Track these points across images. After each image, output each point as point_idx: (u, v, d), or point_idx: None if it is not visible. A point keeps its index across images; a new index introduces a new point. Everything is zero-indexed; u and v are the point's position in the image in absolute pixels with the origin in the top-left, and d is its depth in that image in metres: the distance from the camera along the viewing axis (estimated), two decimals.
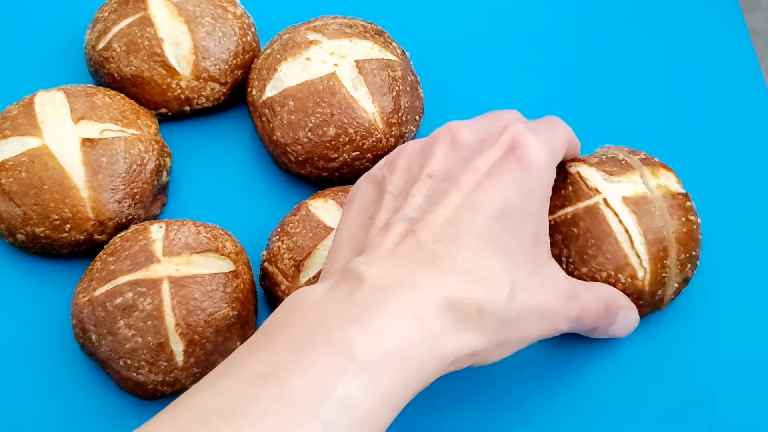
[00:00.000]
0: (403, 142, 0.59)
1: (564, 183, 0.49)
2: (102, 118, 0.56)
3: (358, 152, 0.56)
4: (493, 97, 0.65)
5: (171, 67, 0.59)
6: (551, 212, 0.48)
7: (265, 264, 0.54)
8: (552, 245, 0.48)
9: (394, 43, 0.61)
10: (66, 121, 0.55)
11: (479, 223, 0.39)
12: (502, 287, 0.38)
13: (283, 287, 0.52)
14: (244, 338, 0.51)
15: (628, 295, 0.48)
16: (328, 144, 0.56)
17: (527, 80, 0.65)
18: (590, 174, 0.49)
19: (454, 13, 0.69)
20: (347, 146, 0.56)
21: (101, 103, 0.56)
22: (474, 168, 0.41)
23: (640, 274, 0.47)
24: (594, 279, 0.47)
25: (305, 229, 0.52)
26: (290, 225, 0.53)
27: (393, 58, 0.59)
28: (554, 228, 0.49)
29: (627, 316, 0.47)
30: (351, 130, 0.56)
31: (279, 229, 0.54)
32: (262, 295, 0.55)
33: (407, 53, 0.61)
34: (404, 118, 0.58)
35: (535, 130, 0.43)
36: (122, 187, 0.54)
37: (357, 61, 0.57)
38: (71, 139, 0.54)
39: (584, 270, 0.47)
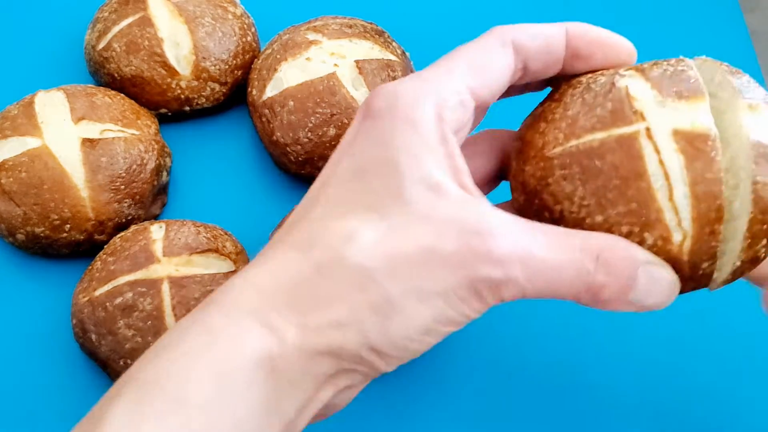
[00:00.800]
0: None
1: (603, 98, 0.36)
2: (102, 118, 0.56)
3: None
4: None
5: (171, 67, 0.59)
6: (576, 135, 0.35)
7: None
8: (566, 179, 0.35)
9: (394, 43, 0.61)
10: (66, 121, 0.55)
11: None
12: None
13: None
14: None
15: None
16: (328, 144, 0.56)
17: None
18: (641, 92, 0.36)
19: (454, 14, 0.69)
20: None
21: (101, 103, 0.56)
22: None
23: (676, 237, 0.34)
24: (611, 233, 0.35)
25: None
26: None
27: (393, 58, 0.59)
28: (573, 157, 0.35)
29: (651, 275, 0.34)
30: None
31: (279, 229, 0.54)
32: None
33: (407, 53, 0.61)
34: None
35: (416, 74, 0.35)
36: (122, 187, 0.54)
37: (357, 61, 0.57)
38: (71, 139, 0.54)
39: (599, 219, 0.34)
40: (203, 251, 0.51)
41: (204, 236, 0.52)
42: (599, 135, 0.35)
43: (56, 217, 0.53)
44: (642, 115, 0.35)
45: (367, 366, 0.32)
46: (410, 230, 0.31)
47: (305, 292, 0.32)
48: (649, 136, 0.34)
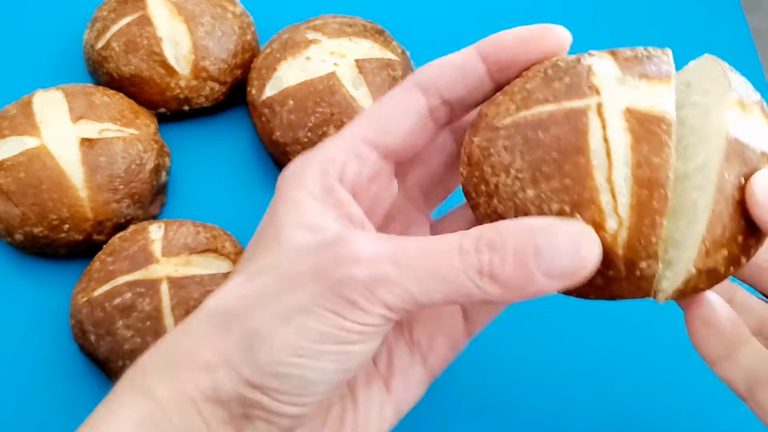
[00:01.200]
0: None
1: (564, 73, 0.34)
2: (101, 118, 0.55)
3: None
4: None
5: (170, 67, 0.58)
6: (527, 107, 0.33)
7: None
8: (506, 150, 0.33)
9: (394, 43, 0.60)
10: (64, 121, 0.55)
11: None
12: None
13: None
14: None
15: None
16: None
17: None
18: (604, 69, 0.33)
19: (454, 13, 0.69)
20: None
21: (100, 103, 0.56)
22: None
23: (611, 223, 0.31)
24: (540, 212, 0.31)
25: None
26: None
27: (393, 57, 0.59)
28: (519, 128, 0.33)
29: (554, 235, 0.30)
30: None
31: None
32: None
33: (407, 52, 0.61)
34: None
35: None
36: (121, 187, 0.54)
37: (357, 61, 0.57)
38: (70, 139, 0.54)
39: (530, 194, 0.32)
40: (202, 251, 0.51)
41: (203, 236, 0.52)
42: (549, 107, 0.33)
43: (55, 217, 0.53)
44: (597, 90, 0.32)
45: (260, 408, 0.31)
46: (277, 263, 0.32)
47: (174, 350, 0.32)
48: (600, 112, 0.32)
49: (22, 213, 0.53)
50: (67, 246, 0.54)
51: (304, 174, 0.34)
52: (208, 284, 0.50)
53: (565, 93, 0.33)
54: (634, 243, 0.30)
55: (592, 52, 0.34)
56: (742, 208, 0.31)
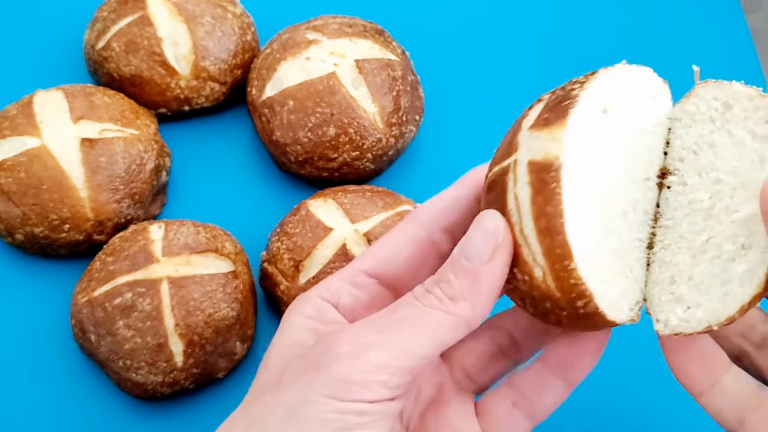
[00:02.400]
0: (403, 142, 0.59)
1: (511, 129, 0.36)
2: (101, 118, 0.55)
3: (358, 152, 0.56)
4: (493, 97, 0.65)
5: (170, 67, 0.58)
6: (491, 167, 0.36)
7: (265, 264, 0.53)
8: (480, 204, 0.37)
9: (394, 43, 0.60)
10: (65, 121, 0.55)
11: None
12: None
13: (282, 287, 0.52)
14: (243, 338, 0.51)
15: (536, 298, 0.34)
16: (328, 144, 0.56)
17: (527, 81, 0.65)
18: (528, 121, 0.35)
19: (454, 13, 0.69)
20: (347, 146, 0.56)
21: (100, 103, 0.56)
22: None
23: (537, 272, 0.33)
24: None
25: (305, 229, 0.52)
26: (290, 225, 0.53)
27: (393, 57, 0.59)
28: (485, 186, 0.36)
29: (467, 242, 0.34)
30: (351, 130, 0.56)
31: (278, 230, 0.54)
32: (261, 295, 0.55)
33: (407, 53, 0.61)
34: (404, 118, 0.58)
35: None
36: (121, 187, 0.54)
37: (357, 61, 0.57)
38: (70, 139, 0.54)
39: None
40: (203, 251, 0.51)
41: (203, 236, 0.52)
42: (496, 168, 0.35)
43: (55, 217, 0.53)
44: (517, 147, 0.34)
45: None
46: (269, 382, 0.35)
47: None
48: (514, 170, 0.34)
49: (22, 213, 0.53)
50: (68, 246, 0.54)
51: (303, 302, 0.37)
52: (209, 284, 0.50)
53: (506, 151, 0.35)
54: (561, 286, 0.32)
55: (542, 96, 0.36)
56: None
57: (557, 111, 0.33)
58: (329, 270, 0.50)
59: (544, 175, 0.32)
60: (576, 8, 0.69)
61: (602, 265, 0.33)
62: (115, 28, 0.59)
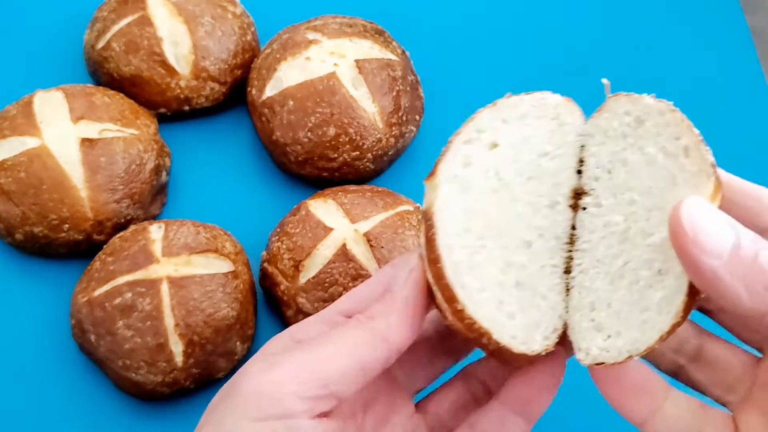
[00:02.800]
0: (404, 142, 0.59)
1: None
2: (101, 118, 0.55)
3: (358, 152, 0.56)
4: (493, 97, 0.64)
5: (170, 67, 0.58)
6: None
7: (265, 264, 0.53)
8: None
9: (394, 43, 0.60)
10: (65, 121, 0.55)
11: None
12: None
13: (282, 287, 0.52)
14: (243, 338, 0.51)
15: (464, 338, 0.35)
16: (328, 144, 0.56)
17: (527, 80, 0.65)
18: None
19: (454, 13, 0.69)
20: (347, 146, 0.56)
21: (100, 103, 0.56)
22: None
23: (448, 315, 0.34)
24: None
25: (305, 229, 0.52)
26: (290, 225, 0.53)
27: (393, 57, 0.59)
28: None
29: (396, 268, 0.36)
30: (351, 130, 0.56)
31: (279, 230, 0.54)
32: (261, 295, 0.55)
33: (407, 53, 0.61)
34: (404, 118, 0.58)
35: None
36: (121, 187, 0.54)
37: (357, 61, 0.57)
38: (70, 139, 0.54)
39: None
40: (203, 251, 0.51)
41: (203, 236, 0.52)
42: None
43: (55, 216, 0.53)
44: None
45: None
46: None
47: None
48: (419, 219, 0.35)
49: (22, 213, 0.53)
50: (68, 246, 0.54)
51: (274, 341, 0.36)
52: (208, 284, 0.50)
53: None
54: (465, 326, 0.33)
55: None
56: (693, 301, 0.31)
57: (438, 159, 0.34)
58: (329, 270, 0.50)
59: (427, 224, 0.33)
60: (576, 8, 0.69)
61: (502, 300, 0.33)
62: (115, 28, 0.59)
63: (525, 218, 0.34)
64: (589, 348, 0.33)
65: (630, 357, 0.32)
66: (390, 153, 0.58)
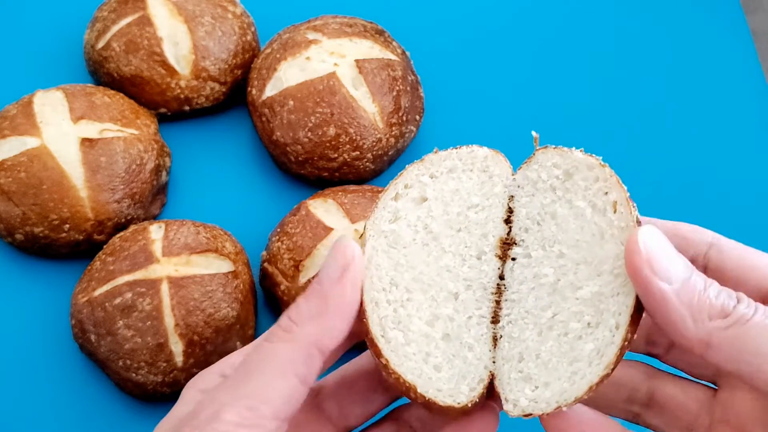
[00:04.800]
0: (404, 142, 0.59)
1: None
2: (101, 118, 0.55)
3: (358, 152, 0.56)
4: (494, 96, 0.65)
5: (170, 67, 0.58)
6: None
7: (265, 264, 0.53)
8: None
9: (394, 43, 0.60)
10: (65, 121, 0.55)
11: None
12: None
13: (283, 287, 0.52)
14: (243, 339, 0.51)
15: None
16: (328, 144, 0.56)
17: (527, 80, 0.65)
18: None
19: (454, 13, 0.69)
20: (347, 146, 0.56)
21: (100, 103, 0.56)
22: None
23: (381, 366, 0.34)
24: None
25: (305, 229, 0.52)
26: (290, 225, 0.53)
27: (393, 57, 0.59)
28: None
29: (330, 251, 0.34)
30: (351, 130, 0.56)
31: (279, 230, 0.54)
32: (261, 295, 0.55)
33: (407, 53, 0.61)
34: (405, 118, 0.58)
35: None
36: (121, 186, 0.54)
37: (357, 61, 0.57)
38: (70, 139, 0.54)
39: None
40: (203, 251, 0.51)
41: (203, 236, 0.52)
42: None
43: (55, 217, 0.53)
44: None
45: None
46: None
47: None
48: None
49: (22, 213, 0.53)
50: (68, 246, 0.54)
51: (200, 377, 0.36)
52: (209, 284, 0.50)
53: None
54: (392, 380, 0.33)
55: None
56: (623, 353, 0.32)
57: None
58: None
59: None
60: (576, 8, 0.69)
61: (428, 352, 0.34)
62: (115, 28, 0.59)
63: (453, 270, 0.35)
64: (517, 399, 0.33)
65: (558, 408, 0.32)
66: (390, 153, 0.58)
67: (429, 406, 0.33)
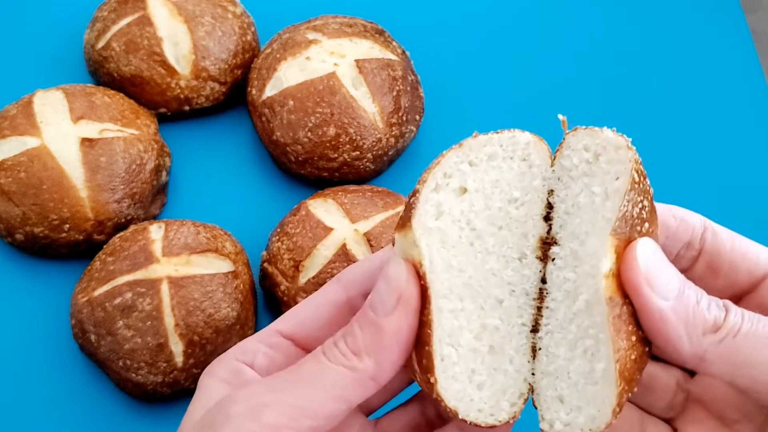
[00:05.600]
0: (404, 142, 0.59)
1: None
2: (101, 118, 0.55)
3: (358, 152, 0.56)
4: (494, 96, 0.65)
5: (170, 67, 0.58)
6: None
7: (265, 264, 0.53)
8: None
9: (394, 43, 0.60)
10: (65, 121, 0.55)
11: None
12: None
13: (282, 288, 0.52)
14: (243, 339, 0.51)
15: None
16: (328, 144, 0.56)
17: (527, 80, 0.65)
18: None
19: (454, 13, 0.69)
20: (347, 146, 0.56)
21: (100, 103, 0.56)
22: None
23: (417, 376, 0.33)
24: None
25: (305, 229, 0.52)
26: (290, 225, 0.53)
27: (393, 57, 0.59)
28: None
29: (374, 292, 0.33)
30: (351, 130, 0.56)
31: (279, 230, 0.54)
32: (261, 295, 0.55)
33: (407, 53, 0.61)
34: (405, 118, 0.58)
35: None
36: (121, 186, 0.54)
37: (357, 61, 0.57)
38: (70, 139, 0.54)
39: None
40: (203, 251, 0.51)
41: (203, 236, 0.52)
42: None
43: (55, 217, 0.53)
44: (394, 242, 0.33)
45: None
46: None
47: None
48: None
49: (22, 213, 0.53)
50: (68, 246, 0.54)
51: (217, 364, 0.36)
52: (209, 284, 0.50)
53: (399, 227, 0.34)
54: (432, 397, 0.31)
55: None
56: (639, 363, 0.30)
57: (407, 210, 0.32)
58: (329, 270, 0.50)
59: (421, 283, 0.31)
60: (576, 8, 0.69)
61: (474, 369, 0.31)
62: (115, 28, 0.59)
63: (497, 273, 0.32)
64: (552, 421, 0.31)
65: None
66: (390, 153, 0.58)
67: (469, 426, 0.32)
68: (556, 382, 0.31)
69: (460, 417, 0.31)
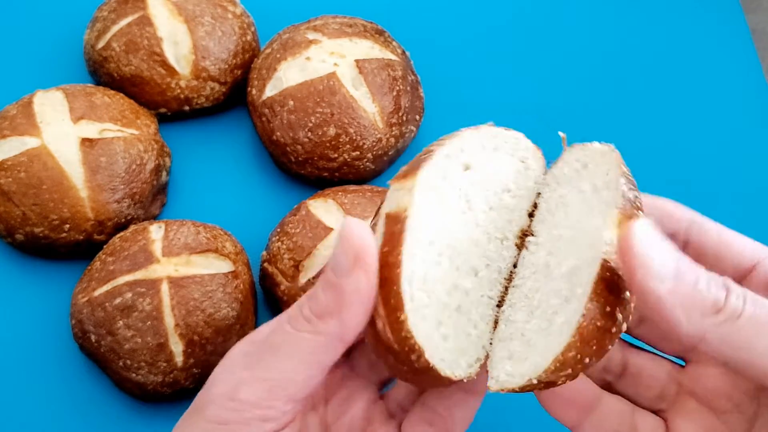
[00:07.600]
0: (404, 142, 0.59)
1: None
2: (101, 118, 0.55)
3: (358, 152, 0.56)
4: (494, 96, 0.65)
5: (170, 67, 0.58)
6: None
7: (265, 264, 0.53)
8: None
9: (394, 43, 0.60)
10: (65, 121, 0.55)
11: None
12: None
13: (283, 288, 0.52)
14: (242, 338, 0.51)
15: (383, 352, 0.34)
16: (328, 144, 0.56)
17: (527, 80, 0.65)
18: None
19: (454, 13, 0.69)
20: (347, 146, 0.56)
21: (100, 103, 0.56)
22: None
23: (379, 324, 0.33)
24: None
25: (305, 229, 0.52)
26: (290, 225, 0.53)
27: (393, 57, 0.59)
28: None
29: (333, 254, 0.33)
30: (351, 130, 0.56)
31: (279, 230, 0.54)
32: (261, 295, 0.55)
33: (407, 53, 0.61)
34: (405, 118, 0.58)
35: None
36: (121, 187, 0.54)
37: (357, 61, 0.57)
38: (70, 139, 0.54)
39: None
40: (203, 251, 0.51)
41: (203, 236, 0.52)
42: (371, 221, 0.36)
43: (55, 217, 0.53)
44: (385, 200, 0.34)
45: None
46: None
47: None
48: (378, 223, 0.34)
49: (22, 213, 0.53)
50: (68, 246, 0.54)
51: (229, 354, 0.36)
52: (209, 284, 0.50)
53: (377, 209, 0.36)
54: (397, 339, 0.32)
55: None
56: (600, 335, 0.32)
57: (414, 164, 0.34)
58: None
59: (394, 227, 0.32)
60: (576, 8, 0.69)
61: (441, 320, 0.33)
62: (115, 28, 0.59)
63: (480, 246, 0.35)
64: (498, 374, 0.33)
65: (530, 381, 0.32)
66: (390, 153, 0.58)
67: (424, 373, 0.33)
68: (510, 344, 0.34)
69: (425, 356, 0.32)
